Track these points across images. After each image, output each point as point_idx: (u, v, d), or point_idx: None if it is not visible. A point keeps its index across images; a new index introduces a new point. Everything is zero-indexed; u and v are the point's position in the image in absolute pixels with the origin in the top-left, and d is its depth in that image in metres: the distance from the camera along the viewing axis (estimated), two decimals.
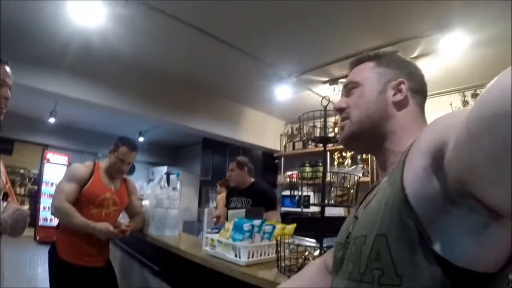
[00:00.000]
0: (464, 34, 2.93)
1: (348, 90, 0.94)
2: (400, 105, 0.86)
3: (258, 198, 3.27)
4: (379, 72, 0.90)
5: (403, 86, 0.86)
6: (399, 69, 0.89)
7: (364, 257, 0.67)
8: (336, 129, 1.02)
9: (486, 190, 0.41)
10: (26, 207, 9.10)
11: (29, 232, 7.90)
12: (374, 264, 0.64)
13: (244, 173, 3.46)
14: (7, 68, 1.44)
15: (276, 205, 3.50)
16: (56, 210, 2.31)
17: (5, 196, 1.50)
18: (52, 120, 7.12)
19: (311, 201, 4.77)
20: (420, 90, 0.89)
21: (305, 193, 1.74)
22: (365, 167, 4.66)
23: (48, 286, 2.37)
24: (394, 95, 0.86)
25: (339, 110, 0.94)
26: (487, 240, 0.55)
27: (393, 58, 0.92)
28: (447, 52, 3.24)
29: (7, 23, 3.21)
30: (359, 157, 4.80)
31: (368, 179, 4.37)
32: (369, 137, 0.88)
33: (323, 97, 1.48)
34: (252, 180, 3.53)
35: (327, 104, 1.51)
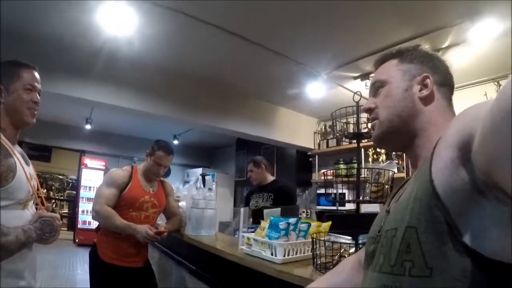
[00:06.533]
0: (495, 21, 2.83)
1: (375, 89, 0.94)
2: (427, 100, 0.86)
3: (280, 193, 3.39)
4: (403, 68, 0.90)
5: (428, 81, 0.86)
6: (423, 63, 0.89)
7: (394, 250, 0.67)
8: (369, 125, 1.03)
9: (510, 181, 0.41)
10: (64, 211, 9.42)
11: (68, 235, 8.31)
12: (404, 256, 0.64)
13: (263, 171, 3.59)
14: (36, 74, 1.49)
15: (296, 202, 3.67)
16: (97, 214, 2.38)
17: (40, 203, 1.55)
18: (88, 126, 7.34)
19: (346, 199, 4.73)
20: (446, 82, 0.89)
21: (340, 191, 1.73)
22: (400, 162, 4.59)
23: (88, 286, 2.45)
24: (420, 91, 0.86)
25: (368, 111, 0.95)
26: None
27: (415, 53, 0.92)
28: (478, 41, 3.13)
29: (43, 35, 3.35)
30: (394, 153, 4.71)
31: (403, 174, 4.29)
32: (399, 136, 0.89)
33: (355, 93, 1.47)
34: (273, 178, 3.65)
35: (359, 100, 1.50)
